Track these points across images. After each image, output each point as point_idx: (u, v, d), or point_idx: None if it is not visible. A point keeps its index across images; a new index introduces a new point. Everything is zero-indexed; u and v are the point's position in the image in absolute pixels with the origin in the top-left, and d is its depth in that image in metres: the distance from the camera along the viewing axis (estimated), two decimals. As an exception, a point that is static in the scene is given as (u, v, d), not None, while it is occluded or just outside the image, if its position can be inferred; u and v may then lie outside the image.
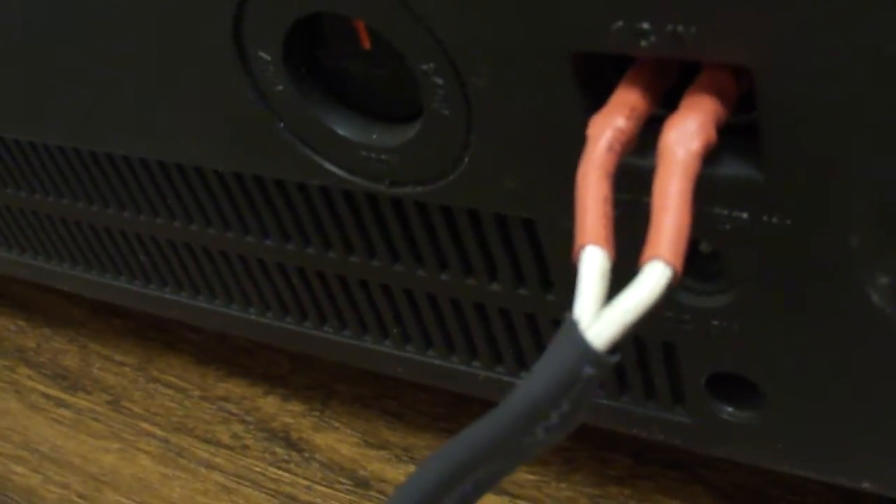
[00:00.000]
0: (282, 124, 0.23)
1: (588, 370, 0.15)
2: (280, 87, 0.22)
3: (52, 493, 0.34)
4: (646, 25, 0.16)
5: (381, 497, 0.31)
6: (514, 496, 0.29)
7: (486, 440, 0.16)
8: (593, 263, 0.15)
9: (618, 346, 0.15)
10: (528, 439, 0.16)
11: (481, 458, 0.16)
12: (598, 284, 0.15)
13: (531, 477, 0.29)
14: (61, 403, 0.37)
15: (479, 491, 0.16)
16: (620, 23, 0.16)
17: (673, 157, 0.16)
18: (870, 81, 0.15)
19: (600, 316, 0.15)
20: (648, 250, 0.15)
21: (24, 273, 0.36)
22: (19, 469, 0.35)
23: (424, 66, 0.19)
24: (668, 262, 0.15)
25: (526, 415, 0.15)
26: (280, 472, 0.32)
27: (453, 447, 0.16)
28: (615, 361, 0.15)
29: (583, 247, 0.16)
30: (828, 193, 0.17)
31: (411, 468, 0.31)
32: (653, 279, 0.15)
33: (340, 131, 0.22)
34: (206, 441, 0.34)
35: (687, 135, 0.16)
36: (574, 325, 0.15)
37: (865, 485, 0.21)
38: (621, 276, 0.16)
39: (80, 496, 0.34)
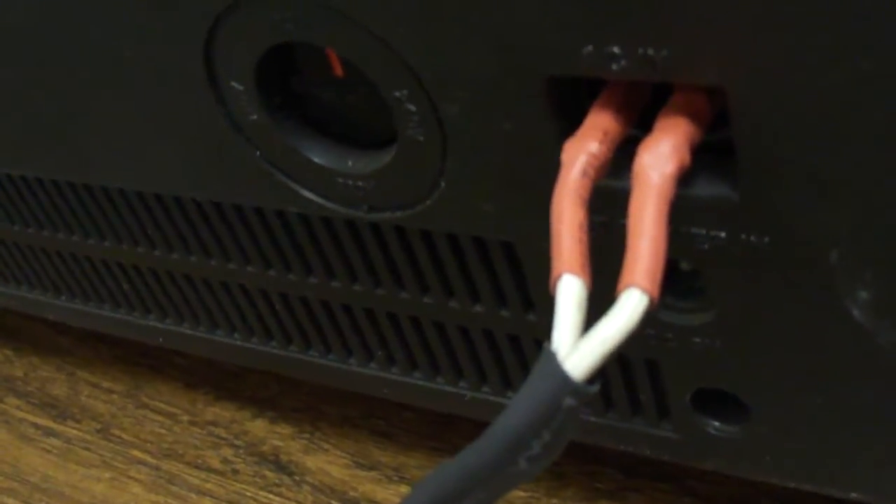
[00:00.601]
0: (258, 153, 0.22)
1: (568, 401, 0.15)
2: (254, 117, 0.22)
3: (43, 524, 0.34)
4: (616, 49, 0.16)
5: (373, 519, 0.31)
6: (505, 514, 0.29)
7: (469, 472, 0.16)
8: (570, 293, 0.15)
9: (597, 376, 0.15)
10: (512, 469, 0.15)
11: (466, 489, 0.16)
12: (576, 314, 0.15)
13: (522, 494, 0.29)
14: (50, 433, 0.37)
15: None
16: (590, 47, 0.16)
17: (647, 180, 0.16)
18: (844, 98, 0.15)
19: (578, 346, 0.15)
20: (625, 278, 0.15)
21: (9, 303, 0.36)
22: (10, 501, 0.35)
23: (397, 93, 0.19)
24: (644, 290, 0.15)
25: (507, 447, 0.15)
26: (271, 497, 0.32)
27: (437, 479, 0.16)
28: (595, 391, 0.15)
29: (559, 276, 0.15)
30: (805, 210, 0.17)
31: (402, 488, 0.31)
32: (630, 307, 0.15)
33: (316, 159, 0.22)
34: (197, 467, 0.34)
35: (661, 158, 0.16)
36: (552, 356, 0.15)
37: (853, 495, 0.21)
38: (601, 297, 0.16)
39: (72, 527, 0.34)
